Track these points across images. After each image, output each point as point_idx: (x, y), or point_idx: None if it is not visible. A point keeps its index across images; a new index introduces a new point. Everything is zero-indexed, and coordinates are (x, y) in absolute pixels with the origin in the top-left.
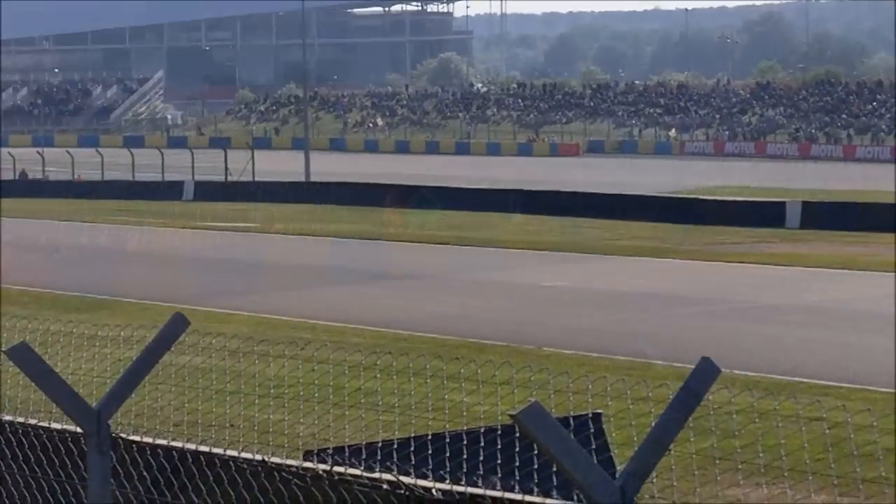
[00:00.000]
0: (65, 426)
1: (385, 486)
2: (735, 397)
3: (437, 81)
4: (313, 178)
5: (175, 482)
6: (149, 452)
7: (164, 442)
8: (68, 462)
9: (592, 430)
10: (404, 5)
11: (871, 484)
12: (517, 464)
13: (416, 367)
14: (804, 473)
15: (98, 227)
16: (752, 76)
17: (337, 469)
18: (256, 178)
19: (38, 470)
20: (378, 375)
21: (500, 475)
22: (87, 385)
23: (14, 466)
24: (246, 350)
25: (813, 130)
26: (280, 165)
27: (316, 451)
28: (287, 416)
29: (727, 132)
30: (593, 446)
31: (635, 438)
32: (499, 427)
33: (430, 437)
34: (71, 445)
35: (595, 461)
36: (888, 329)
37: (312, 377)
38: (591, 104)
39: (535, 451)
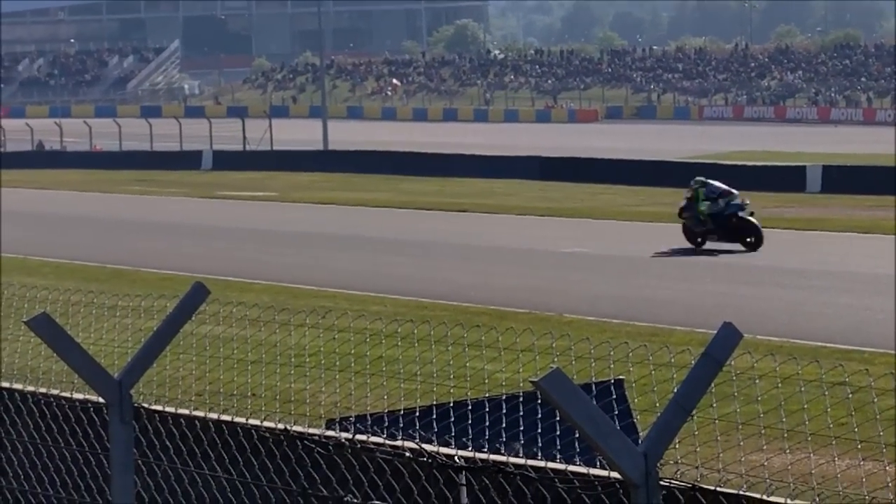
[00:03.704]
0: (87, 396)
1: (408, 454)
2: (757, 362)
3: (453, 48)
4: (331, 147)
5: (197, 451)
6: (171, 422)
7: (185, 412)
8: (91, 432)
9: (615, 397)
10: None
11: (894, 448)
12: (539, 431)
13: (437, 334)
14: (827, 438)
15: (116, 197)
16: (770, 40)
17: (359, 437)
18: (274, 147)
19: (61, 440)
20: (399, 343)
21: (522, 442)
22: (108, 355)
23: (38, 437)
24: (267, 319)
25: (832, 94)
26: (298, 134)
27: (338, 420)
28: (309, 385)
29: (746, 97)
30: (616, 412)
31: (658, 404)
32: (521, 394)
33: (452, 405)
34: (93, 416)
35: (617, 427)
36: None
37: (334, 346)
38: (609, 70)
39: (558, 418)
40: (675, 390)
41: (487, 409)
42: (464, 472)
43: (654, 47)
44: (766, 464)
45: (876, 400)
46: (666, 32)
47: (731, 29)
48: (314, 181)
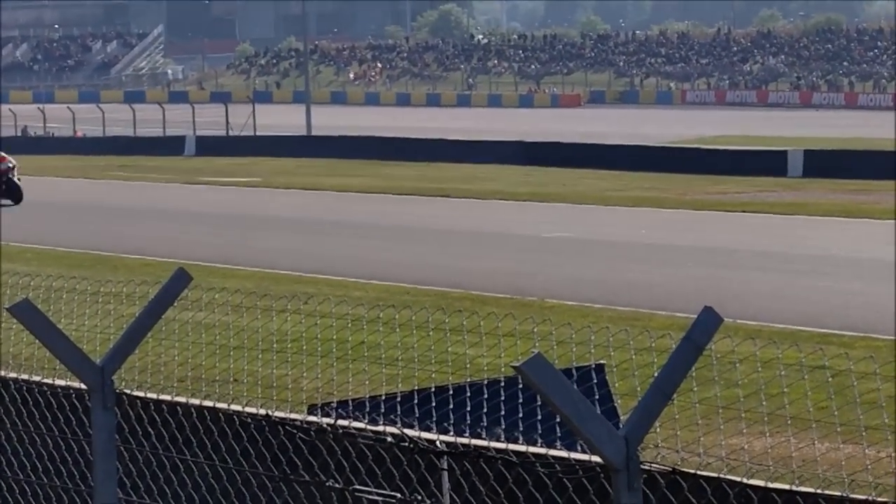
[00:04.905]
0: (69, 383)
1: (389, 440)
2: (737, 346)
3: (437, 33)
4: (314, 132)
5: (179, 437)
6: (153, 408)
7: (168, 397)
8: (73, 418)
9: (595, 381)
10: None
11: (873, 431)
12: (520, 415)
13: (418, 320)
14: (807, 422)
15: (99, 182)
16: (753, 25)
17: (341, 423)
18: (258, 133)
19: (43, 426)
20: (381, 329)
21: (503, 427)
22: (90, 341)
23: (20, 423)
24: (249, 305)
25: (814, 78)
26: (281, 119)
27: (320, 405)
28: (291, 371)
29: (728, 81)
30: (596, 397)
31: (638, 389)
32: (502, 379)
33: (433, 390)
34: (76, 402)
35: (598, 412)
36: (891, 276)
37: (315, 331)
38: (592, 54)
39: (539, 403)
40: (656, 374)
41: (469, 394)
42: (445, 457)
43: (637, 32)
44: (746, 447)
45: (855, 383)
46: (649, 17)
47: (713, 13)
48: (297, 166)
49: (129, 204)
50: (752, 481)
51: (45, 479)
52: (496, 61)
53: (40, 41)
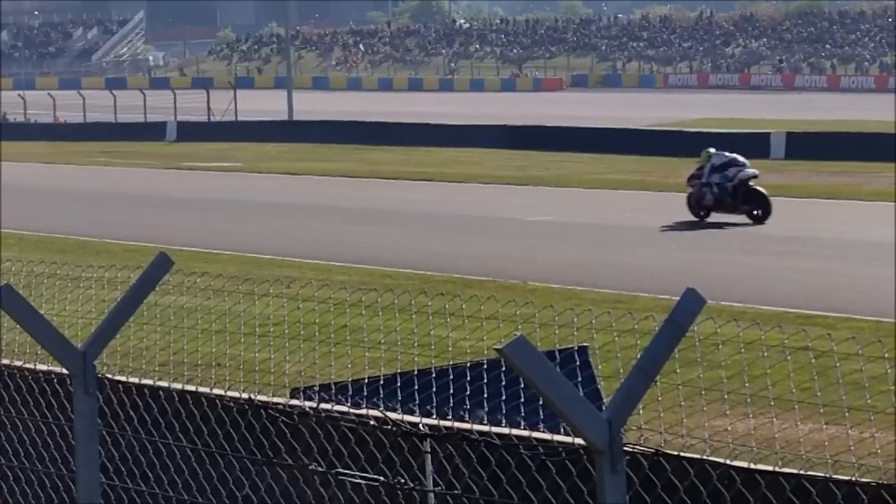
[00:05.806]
0: (51, 368)
1: (372, 423)
2: (721, 328)
3: (419, 18)
4: (296, 117)
5: (162, 422)
6: (135, 393)
7: (150, 382)
8: (55, 403)
9: (578, 363)
10: None
11: (856, 412)
12: (503, 398)
13: (401, 303)
14: (790, 403)
15: (81, 168)
16: (735, 8)
17: (324, 406)
18: (239, 118)
19: (24, 411)
20: (364, 312)
21: (486, 409)
22: (72, 326)
23: (1, 409)
24: (231, 289)
25: (797, 61)
26: (263, 105)
27: (302, 389)
28: (273, 355)
29: (710, 64)
30: (579, 379)
31: (621, 370)
32: (485, 361)
33: (416, 373)
34: (57, 387)
35: (581, 394)
36: (874, 258)
37: (298, 315)
38: (574, 38)
39: (522, 385)
40: (639, 356)
41: (451, 377)
42: (428, 440)
43: (619, 15)
44: (729, 429)
45: (838, 364)
46: (631, 1)
47: None
48: (279, 152)
49: (110, 189)
50: (736, 462)
51: (26, 463)
52: (478, 46)
53: (20, 28)
